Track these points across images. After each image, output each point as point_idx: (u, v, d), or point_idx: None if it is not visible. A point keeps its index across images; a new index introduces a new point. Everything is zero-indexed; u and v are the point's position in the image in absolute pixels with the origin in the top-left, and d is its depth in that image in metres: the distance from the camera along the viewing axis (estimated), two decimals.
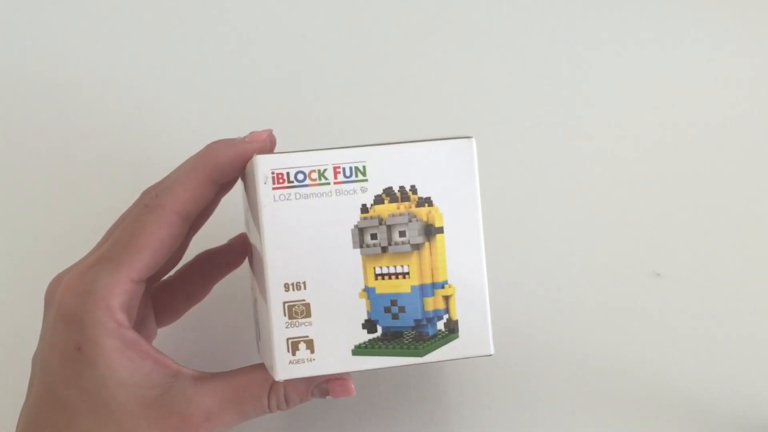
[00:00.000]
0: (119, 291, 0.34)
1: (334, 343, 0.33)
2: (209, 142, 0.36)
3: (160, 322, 0.40)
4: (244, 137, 0.36)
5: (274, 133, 0.37)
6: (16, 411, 0.36)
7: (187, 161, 0.36)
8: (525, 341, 0.45)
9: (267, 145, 0.36)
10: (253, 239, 0.36)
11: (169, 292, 0.40)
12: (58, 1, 0.47)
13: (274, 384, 0.35)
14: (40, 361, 0.35)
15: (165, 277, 0.40)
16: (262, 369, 0.35)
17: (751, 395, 0.45)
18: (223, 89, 0.47)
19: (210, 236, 0.40)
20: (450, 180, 0.34)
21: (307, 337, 0.33)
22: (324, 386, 0.36)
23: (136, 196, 0.37)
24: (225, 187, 0.37)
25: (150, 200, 0.35)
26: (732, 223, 0.47)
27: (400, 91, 0.48)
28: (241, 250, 0.40)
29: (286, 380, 0.34)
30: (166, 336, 0.41)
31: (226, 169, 0.35)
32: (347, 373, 0.36)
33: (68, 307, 0.34)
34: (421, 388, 0.44)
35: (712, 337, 0.45)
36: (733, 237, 0.47)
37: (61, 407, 0.34)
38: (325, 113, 0.47)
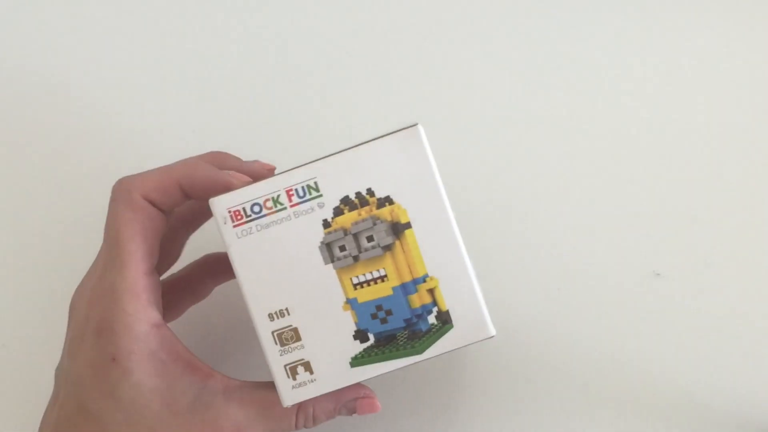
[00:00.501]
0: (140, 289, 0.34)
1: (331, 360, 0.33)
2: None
3: (164, 318, 0.40)
4: (230, 172, 0.36)
5: (269, 163, 0.38)
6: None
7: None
8: (525, 341, 0.44)
9: (241, 184, 0.35)
10: None
11: (176, 289, 0.41)
12: (59, 2, 0.48)
13: (302, 404, 0.36)
14: (68, 375, 0.36)
15: (173, 276, 0.41)
16: None
17: (751, 395, 0.44)
18: (224, 91, 0.47)
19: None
20: (405, 173, 0.33)
21: (303, 359, 0.34)
22: (351, 404, 0.36)
23: None
24: (194, 197, 0.37)
25: (115, 190, 0.36)
26: (732, 223, 0.45)
27: (393, 91, 0.47)
28: None
29: (314, 399, 0.35)
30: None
31: (196, 184, 0.35)
32: (370, 389, 0.36)
33: (98, 318, 0.34)
34: (421, 390, 0.44)
35: (712, 337, 0.44)
36: (733, 237, 0.45)
37: (95, 420, 0.34)
38: (320, 114, 0.47)
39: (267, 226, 0.33)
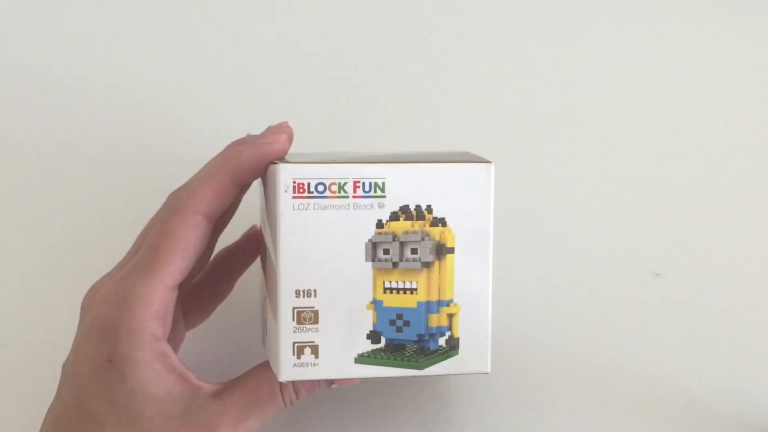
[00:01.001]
0: (155, 300, 0.34)
1: (338, 351, 0.34)
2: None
3: (190, 323, 0.40)
4: (263, 136, 0.37)
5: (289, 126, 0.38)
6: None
7: (209, 162, 0.37)
8: (525, 341, 0.45)
9: (287, 145, 0.36)
10: (267, 240, 0.36)
11: (196, 294, 0.41)
12: (62, 2, 0.47)
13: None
14: (70, 371, 0.35)
15: (196, 280, 0.40)
16: (267, 367, 0.36)
17: (752, 395, 0.45)
18: (234, 87, 0.47)
19: (224, 233, 0.40)
20: (465, 202, 0.35)
21: (313, 342, 0.34)
22: None
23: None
24: (246, 186, 0.37)
25: (174, 203, 0.36)
26: (732, 223, 0.47)
27: (412, 93, 0.48)
28: (256, 242, 0.41)
29: None
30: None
31: (247, 170, 0.35)
32: None
33: (104, 317, 0.34)
34: (423, 386, 0.45)
35: (712, 337, 0.46)
36: (733, 237, 0.47)
37: (90, 418, 0.34)
38: (337, 112, 0.47)
39: (324, 207, 0.34)
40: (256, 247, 0.41)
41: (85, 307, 0.37)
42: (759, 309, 0.46)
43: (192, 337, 0.41)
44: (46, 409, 0.36)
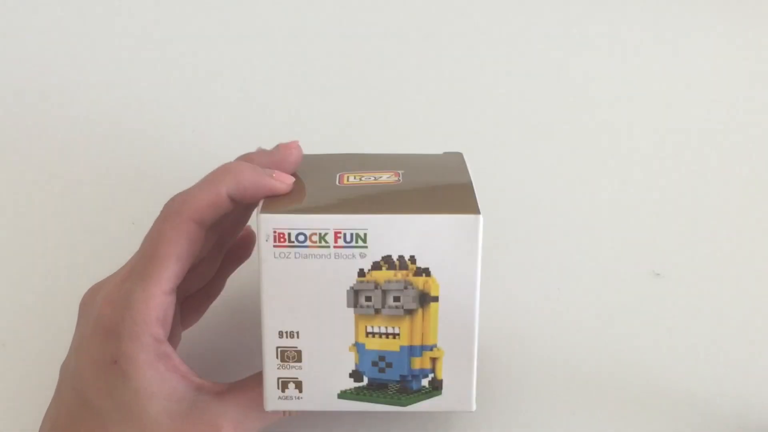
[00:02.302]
0: (153, 305, 0.35)
1: (322, 387, 0.35)
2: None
3: (186, 323, 0.42)
4: (273, 155, 0.37)
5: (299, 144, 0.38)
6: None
7: (212, 172, 0.37)
8: (524, 341, 0.45)
9: (290, 187, 0.36)
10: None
11: (191, 294, 0.42)
12: (64, 3, 0.46)
13: None
14: (72, 370, 0.37)
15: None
16: None
17: (752, 395, 0.45)
18: (234, 87, 0.46)
19: None
20: (451, 253, 0.33)
21: (297, 378, 0.35)
22: None
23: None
24: (244, 204, 0.37)
25: (168, 209, 0.37)
26: (732, 223, 0.46)
27: (400, 96, 0.47)
28: (247, 243, 0.42)
29: None
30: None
31: (245, 192, 0.36)
32: None
33: (107, 319, 0.36)
34: None
35: (712, 337, 0.45)
36: (733, 237, 0.46)
37: (95, 416, 0.36)
38: (329, 116, 0.47)
39: (305, 256, 0.34)
40: (247, 247, 0.42)
41: (84, 308, 0.38)
42: (759, 309, 0.45)
43: (193, 336, 0.42)
44: (44, 410, 0.39)
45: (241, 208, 0.38)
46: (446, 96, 0.47)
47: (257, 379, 0.38)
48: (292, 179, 0.37)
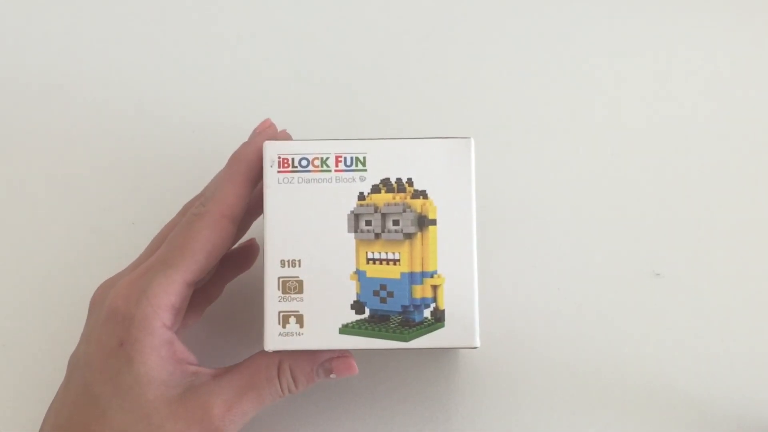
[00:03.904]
0: (172, 291, 0.36)
1: (323, 321, 0.35)
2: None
3: (186, 323, 0.42)
4: (255, 131, 0.40)
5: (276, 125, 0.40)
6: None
7: (220, 172, 0.39)
8: (524, 341, 0.45)
9: (273, 129, 0.39)
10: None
11: (192, 294, 0.42)
12: (63, 2, 0.49)
13: (281, 365, 0.37)
14: (80, 359, 0.37)
15: None
16: (266, 354, 0.37)
17: (751, 395, 0.44)
18: (234, 87, 0.48)
19: None
20: (446, 176, 0.36)
21: (298, 312, 0.35)
22: (327, 365, 0.38)
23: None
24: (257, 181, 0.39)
25: (198, 209, 0.38)
26: (732, 223, 0.47)
27: (403, 90, 0.49)
28: (250, 255, 0.43)
29: (291, 360, 0.36)
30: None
31: (254, 164, 0.38)
32: (347, 350, 0.38)
33: (119, 306, 0.36)
34: (417, 385, 0.44)
35: (712, 337, 0.45)
36: (733, 237, 0.46)
37: (95, 403, 0.35)
38: (328, 111, 0.49)
39: (308, 181, 0.35)
40: (249, 258, 0.43)
41: (95, 303, 0.38)
42: (759, 309, 0.45)
43: (194, 336, 0.42)
44: (45, 408, 0.38)
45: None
46: (446, 96, 0.49)
47: (253, 360, 0.38)
48: (268, 120, 0.39)
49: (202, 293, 0.42)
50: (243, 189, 0.37)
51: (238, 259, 0.43)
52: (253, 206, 0.40)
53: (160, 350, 0.36)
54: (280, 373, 0.37)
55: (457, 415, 0.43)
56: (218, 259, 0.37)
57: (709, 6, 0.50)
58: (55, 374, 0.39)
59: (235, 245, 0.43)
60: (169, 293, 0.36)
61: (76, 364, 0.38)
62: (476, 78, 0.49)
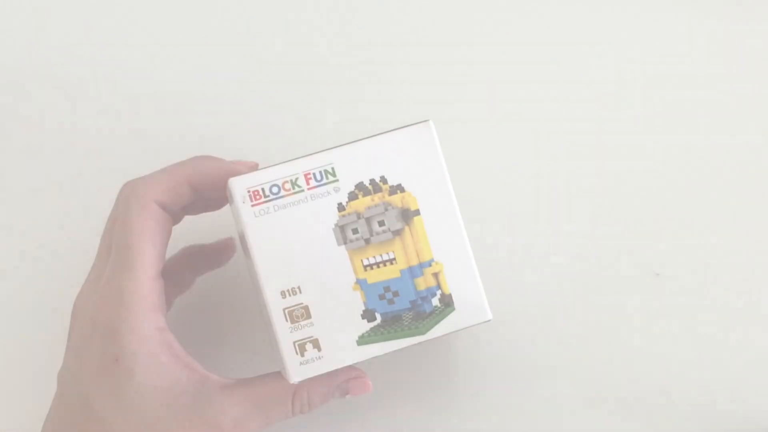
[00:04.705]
0: (145, 293, 0.35)
1: (339, 338, 0.35)
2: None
3: None
4: (234, 161, 0.39)
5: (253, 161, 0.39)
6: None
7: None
8: (524, 341, 0.45)
9: (247, 171, 0.37)
10: (246, 255, 0.37)
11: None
12: (64, 3, 0.48)
13: (297, 390, 0.37)
14: (73, 375, 0.36)
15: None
16: (280, 376, 0.37)
17: (751, 396, 0.45)
18: (234, 87, 0.48)
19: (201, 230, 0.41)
20: (416, 164, 0.35)
21: (312, 337, 0.35)
22: (344, 386, 0.38)
23: None
24: (209, 204, 0.39)
25: (128, 191, 0.37)
26: (732, 223, 0.47)
27: (390, 88, 0.48)
28: (226, 252, 0.43)
29: (308, 384, 0.36)
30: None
31: (205, 177, 0.37)
32: (361, 370, 0.38)
33: (104, 318, 0.35)
34: (418, 388, 0.45)
35: (712, 338, 0.46)
36: (734, 237, 0.47)
37: (98, 418, 0.35)
38: (320, 113, 0.48)
39: (284, 207, 0.35)
40: (224, 256, 0.43)
41: (77, 312, 0.37)
42: (759, 309, 0.46)
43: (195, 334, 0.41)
44: (39, 413, 0.37)
45: (203, 203, 0.39)
46: (453, 91, 0.48)
47: (267, 380, 0.37)
48: (256, 164, 0.38)
49: (170, 283, 0.41)
50: (178, 186, 0.37)
51: (212, 254, 0.43)
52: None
53: (160, 357, 0.35)
54: (295, 397, 0.37)
55: (454, 413, 0.44)
56: (165, 242, 0.37)
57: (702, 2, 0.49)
58: (49, 378, 0.38)
59: (213, 242, 0.43)
60: (143, 296, 0.35)
61: (69, 379, 0.37)
62: (478, 75, 0.48)
